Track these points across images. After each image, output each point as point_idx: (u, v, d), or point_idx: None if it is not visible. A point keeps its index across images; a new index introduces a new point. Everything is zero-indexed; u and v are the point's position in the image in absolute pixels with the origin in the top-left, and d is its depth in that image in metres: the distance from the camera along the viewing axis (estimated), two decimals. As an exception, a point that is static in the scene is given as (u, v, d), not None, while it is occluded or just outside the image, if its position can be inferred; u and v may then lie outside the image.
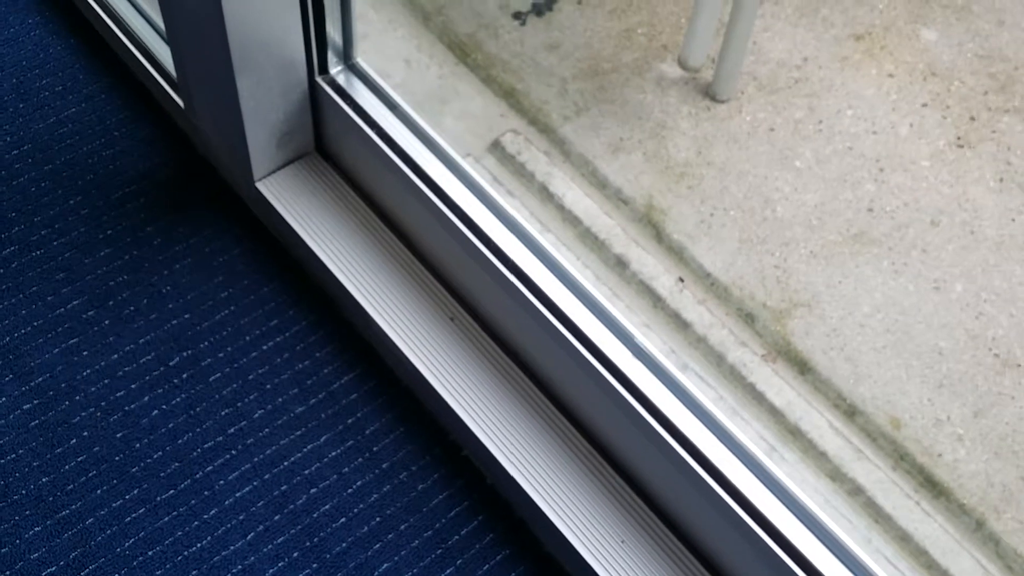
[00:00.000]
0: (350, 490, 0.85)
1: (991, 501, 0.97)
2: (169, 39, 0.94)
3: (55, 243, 0.96)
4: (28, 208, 0.98)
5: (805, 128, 1.21)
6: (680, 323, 1.03)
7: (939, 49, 1.30)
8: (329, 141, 0.98)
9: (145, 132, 1.04)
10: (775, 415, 0.98)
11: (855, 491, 0.95)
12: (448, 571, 0.81)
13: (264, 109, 0.91)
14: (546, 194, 1.14)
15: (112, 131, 1.04)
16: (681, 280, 1.07)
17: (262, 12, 0.83)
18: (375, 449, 0.87)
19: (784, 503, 0.75)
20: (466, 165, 0.91)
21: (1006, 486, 0.97)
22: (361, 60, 0.95)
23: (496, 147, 1.18)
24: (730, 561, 0.78)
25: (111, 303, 0.93)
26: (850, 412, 0.99)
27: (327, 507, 0.84)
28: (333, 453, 0.86)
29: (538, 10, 1.31)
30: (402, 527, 0.83)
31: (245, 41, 0.84)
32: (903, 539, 0.94)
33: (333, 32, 0.91)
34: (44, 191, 0.99)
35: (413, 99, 1.23)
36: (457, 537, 0.83)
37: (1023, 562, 0.94)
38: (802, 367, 1.02)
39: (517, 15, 1.30)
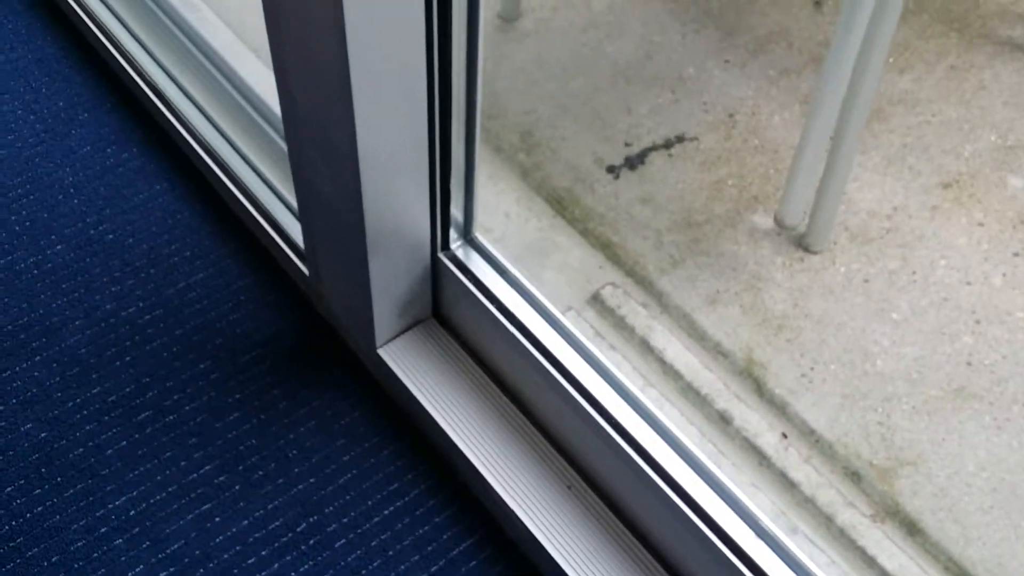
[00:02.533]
0: (474, 661, 0.87)
1: (1109, 666, 0.96)
2: (301, 217, 1.00)
3: (187, 408, 1.01)
4: (161, 373, 1.03)
5: (900, 279, 1.24)
6: (787, 483, 1.05)
7: (1027, 195, 1.33)
8: (445, 306, 1.03)
9: (270, 296, 1.10)
10: (888, 580, 0.98)
11: (972, 660, 0.94)
12: None
13: (390, 285, 0.96)
14: (647, 348, 1.17)
15: (239, 295, 1.10)
16: (785, 436, 1.09)
17: (397, 201, 0.88)
18: (497, 618, 0.89)
19: None
20: (573, 328, 0.94)
21: None
22: (479, 235, 0.99)
23: (596, 300, 1.22)
24: None
25: (241, 468, 0.97)
26: (962, 576, 1.00)
27: None
28: (456, 622, 0.89)
29: (631, 164, 1.36)
30: None
31: (380, 228, 0.89)
32: None
33: (456, 211, 0.96)
34: (176, 356, 1.04)
35: (514, 252, 1.28)
36: None
37: None
38: (911, 528, 1.02)
39: (611, 169, 1.36)
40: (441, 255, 0.98)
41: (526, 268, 1.26)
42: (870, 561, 0.99)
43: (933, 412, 1.12)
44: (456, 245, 0.99)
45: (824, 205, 1.22)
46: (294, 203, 1.11)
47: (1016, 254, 1.26)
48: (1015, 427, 1.11)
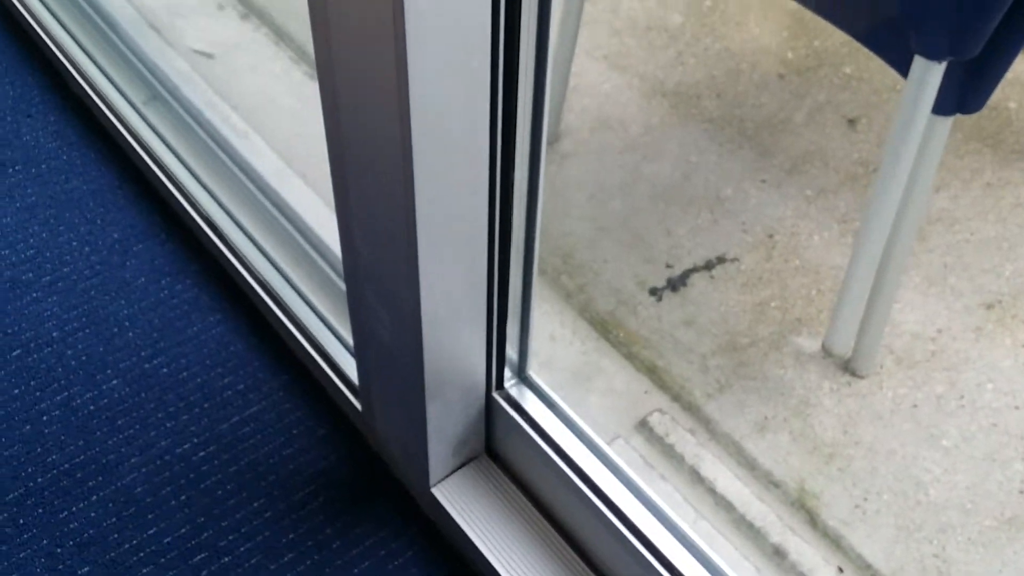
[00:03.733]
0: None
1: None
2: (357, 356, 1.01)
3: (242, 549, 1.01)
4: (216, 512, 1.03)
5: (947, 404, 1.23)
6: (845, 621, 1.03)
7: (1070, 314, 1.33)
8: (498, 443, 1.03)
9: (322, 431, 1.10)
10: None
11: None
12: None
13: (445, 425, 0.97)
14: (697, 478, 1.17)
15: (291, 429, 1.10)
16: (841, 571, 1.08)
17: (456, 346, 0.89)
18: None
19: None
20: (623, 464, 0.95)
21: None
22: (532, 373, 1.00)
23: (644, 426, 1.22)
24: None
25: (296, 611, 0.97)
26: None
27: None
28: None
29: (672, 285, 1.37)
30: None
31: (438, 373, 0.90)
32: None
33: (511, 350, 0.97)
34: (230, 493, 1.05)
35: (559, 377, 1.29)
36: None
37: None
38: (975, 669, 1.01)
39: (653, 291, 1.37)
40: (495, 394, 0.98)
41: (572, 392, 1.27)
42: None
43: (988, 543, 1.11)
44: (510, 384, 0.99)
45: (870, 330, 1.22)
46: (347, 337, 1.13)
47: (1064, 376, 1.26)
48: (1074, 559, 1.09)
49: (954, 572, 1.08)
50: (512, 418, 0.98)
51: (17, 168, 1.37)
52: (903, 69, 0.98)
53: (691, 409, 1.24)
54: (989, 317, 1.33)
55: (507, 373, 0.99)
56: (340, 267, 1.20)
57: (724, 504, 1.14)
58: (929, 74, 0.95)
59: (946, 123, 1.03)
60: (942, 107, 1.00)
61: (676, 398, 1.26)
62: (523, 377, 1.00)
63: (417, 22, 0.64)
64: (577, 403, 1.24)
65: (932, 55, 0.94)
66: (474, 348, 0.92)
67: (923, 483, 1.16)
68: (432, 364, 0.89)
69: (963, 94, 1.00)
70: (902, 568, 1.08)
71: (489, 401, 0.99)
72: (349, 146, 0.80)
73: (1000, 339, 1.30)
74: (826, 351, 1.25)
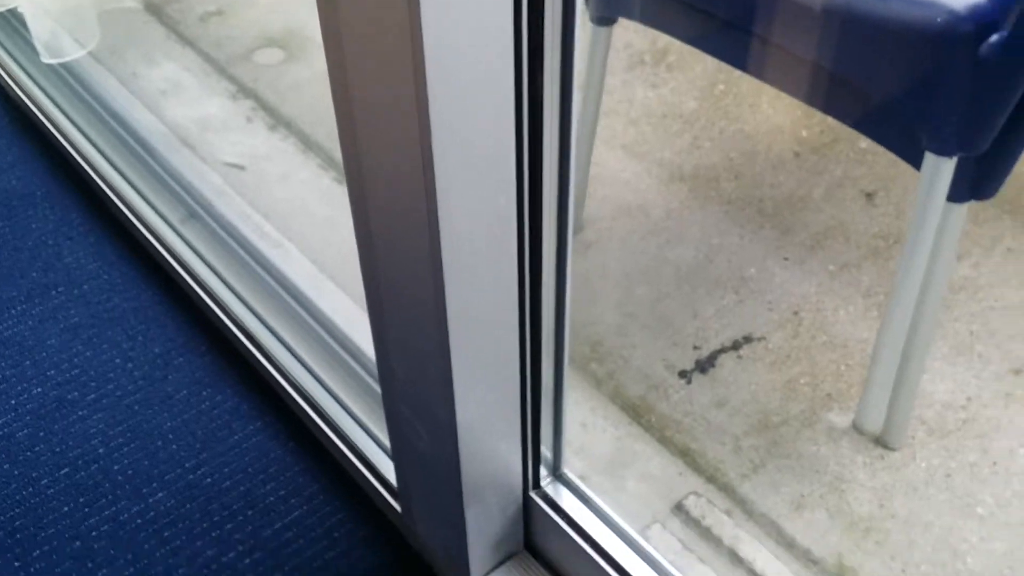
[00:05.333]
0: None
1: None
2: (395, 461, 1.04)
3: (291, 656, 1.03)
4: (264, 620, 1.06)
5: (981, 471, 1.24)
6: None
7: (1101, 375, 1.33)
8: (537, 539, 1.05)
9: (363, 531, 1.13)
10: None
11: None
12: None
13: (484, 525, 0.99)
14: (736, 559, 1.17)
15: (333, 532, 1.13)
16: (886, 650, 1.08)
17: (492, 453, 0.92)
18: None
19: None
20: (660, 556, 0.96)
21: None
22: (567, 470, 1.02)
23: (680, 510, 1.23)
24: None
25: None
26: None
27: None
28: None
29: (702, 367, 1.39)
30: None
31: (475, 479, 0.92)
32: None
33: (545, 450, 1.00)
34: (277, 601, 1.07)
35: (593, 464, 1.31)
36: None
37: None
38: None
39: (682, 374, 1.39)
40: (532, 493, 1.01)
41: (607, 479, 1.28)
42: None
43: (1036, 615, 1.10)
44: (546, 482, 1.02)
45: (900, 403, 1.23)
46: (384, 439, 1.16)
47: (1098, 439, 1.26)
48: (1123, 626, 1.08)
49: (1002, 646, 1.08)
50: (549, 516, 1.00)
51: (60, 290, 1.42)
52: (915, 162, 1.01)
53: (727, 490, 1.25)
54: (1018, 383, 1.34)
55: (542, 471, 1.01)
56: (374, 369, 1.23)
57: (765, 587, 1.15)
58: (941, 168, 0.98)
59: (962, 208, 1.06)
60: (956, 196, 1.02)
61: (711, 480, 1.27)
62: (558, 475, 1.02)
63: (442, 135, 0.68)
64: (613, 490, 1.25)
65: (943, 152, 0.97)
66: (510, 452, 0.95)
67: (960, 552, 1.16)
68: (469, 471, 0.91)
69: (975, 183, 1.03)
70: (949, 645, 1.08)
71: (526, 500, 1.01)
72: (383, 282, 0.83)
73: (1031, 404, 1.31)
74: (857, 429, 1.26)
